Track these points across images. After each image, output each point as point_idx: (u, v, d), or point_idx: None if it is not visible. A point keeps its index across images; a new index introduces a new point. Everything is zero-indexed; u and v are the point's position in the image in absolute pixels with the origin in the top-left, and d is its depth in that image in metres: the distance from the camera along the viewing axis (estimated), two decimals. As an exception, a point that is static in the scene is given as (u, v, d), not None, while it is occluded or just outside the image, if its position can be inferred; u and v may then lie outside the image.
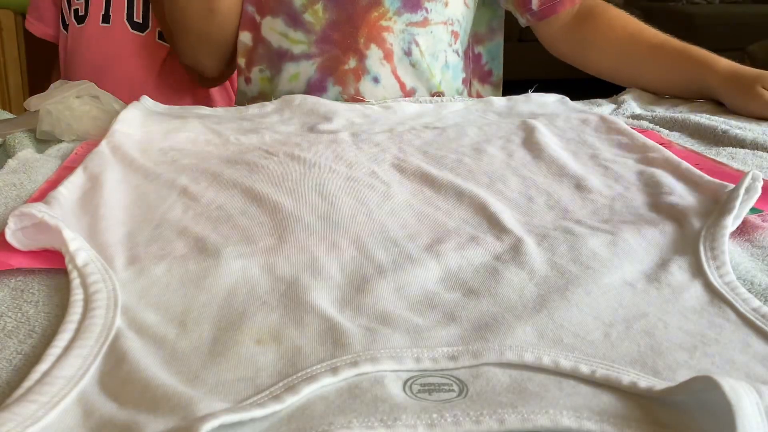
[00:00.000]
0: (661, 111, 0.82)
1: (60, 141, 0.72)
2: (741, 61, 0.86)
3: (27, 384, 0.31)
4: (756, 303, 0.39)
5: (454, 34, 0.97)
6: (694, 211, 0.50)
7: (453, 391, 0.31)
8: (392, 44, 0.92)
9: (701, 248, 0.45)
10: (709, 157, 0.64)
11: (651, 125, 0.76)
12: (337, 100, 0.90)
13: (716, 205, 0.50)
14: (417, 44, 0.93)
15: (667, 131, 0.74)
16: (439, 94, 0.97)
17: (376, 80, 0.93)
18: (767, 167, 0.62)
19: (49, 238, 0.45)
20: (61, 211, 0.48)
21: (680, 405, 0.30)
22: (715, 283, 0.41)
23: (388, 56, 0.93)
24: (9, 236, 0.44)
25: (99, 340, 0.35)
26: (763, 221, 0.51)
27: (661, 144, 0.68)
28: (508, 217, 0.49)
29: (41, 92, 0.77)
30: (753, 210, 0.50)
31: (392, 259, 0.44)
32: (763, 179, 0.50)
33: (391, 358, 0.33)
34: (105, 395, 0.31)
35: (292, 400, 0.30)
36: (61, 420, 0.29)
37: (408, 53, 0.93)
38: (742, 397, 0.27)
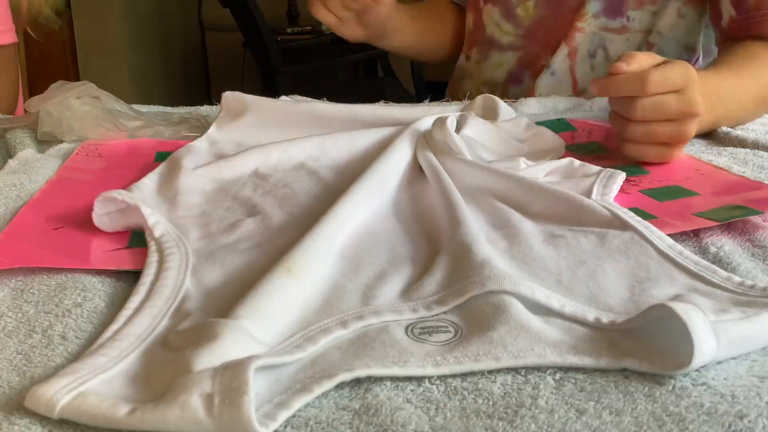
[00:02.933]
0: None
1: (61, 141, 0.72)
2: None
3: (100, 341, 0.35)
4: (669, 241, 0.45)
5: (648, 45, 0.93)
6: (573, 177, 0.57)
7: (450, 332, 0.36)
8: (579, 44, 0.94)
9: (601, 198, 0.52)
10: (708, 162, 0.64)
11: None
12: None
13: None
14: (605, 49, 0.94)
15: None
16: None
17: (552, 74, 0.96)
18: (768, 167, 0.63)
19: (130, 218, 0.49)
20: (142, 195, 0.52)
21: (638, 333, 0.35)
22: (631, 221, 0.47)
23: (571, 54, 0.95)
24: (96, 220, 0.49)
25: (168, 301, 0.39)
26: (763, 221, 0.51)
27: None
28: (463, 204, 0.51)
29: (41, 93, 0.77)
30: (754, 212, 0.50)
31: (387, 230, 0.49)
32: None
33: (392, 311, 0.38)
34: (166, 349, 0.35)
35: (312, 349, 0.34)
36: (127, 369, 0.33)
37: (592, 55, 0.95)
38: (692, 316, 0.32)
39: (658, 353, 0.34)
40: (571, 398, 0.32)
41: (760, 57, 0.76)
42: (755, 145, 0.68)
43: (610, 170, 0.56)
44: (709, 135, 0.72)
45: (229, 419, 0.28)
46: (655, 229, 0.46)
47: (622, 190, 0.58)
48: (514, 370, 0.34)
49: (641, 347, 0.34)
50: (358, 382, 0.33)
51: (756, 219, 0.51)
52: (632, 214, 0.49)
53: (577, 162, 0.59)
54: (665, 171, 0.62)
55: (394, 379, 0.33)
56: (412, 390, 0.33)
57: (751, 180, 0.58)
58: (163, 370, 0.32)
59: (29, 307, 0.40)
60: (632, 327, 0.35)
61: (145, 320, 0.37)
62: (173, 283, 0.41)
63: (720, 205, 0.53)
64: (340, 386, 0.33)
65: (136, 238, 0.48)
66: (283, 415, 0.30)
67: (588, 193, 0.53)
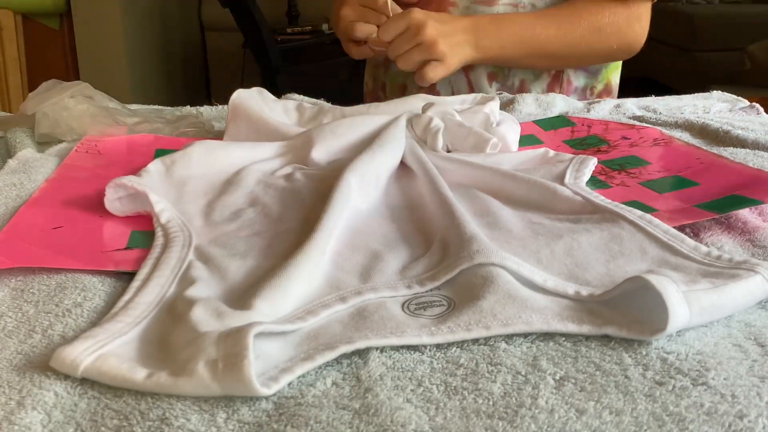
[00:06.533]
0: (663, 112, 0.82)
1: (60, 141, 0.72)
2: (741, 61, 0.85)
3: (114, 310, 0.38)
4: (639, 212, 0.47)
5: None
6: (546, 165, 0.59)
7: (443, 305, 0.39)
8: None
9: (574, 182, 0.54)
10: (710, 151, 0.64)
11: (653, 127, 0.76)
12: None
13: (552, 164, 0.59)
14: None
15: (668, 131, 0.74)
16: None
17: None
18: (768, 167, 0.63)
19: (140, 204, 0.51)
20: (150, 180, 0.54)
21: (615, 304, 0.38)
22: (603, 203, 0.50)
23: None
24: (108, 205, 0.51)
25: (174, 270, 0.42)
26: (764, 221, 0.51)
27: (662, 140, 0.68)
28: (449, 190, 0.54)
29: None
30: (755, 201, 0.50)
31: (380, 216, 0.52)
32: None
33: (388, 287, 0.40)
34: (174, 314, 0.37)
35: (313, 320, 0.37)
36: (142, 334, 0.36)
37: None
38: (666, 286, 0.35)
39: (635, 321, 0.36)
40: (571, 398, 0.32)
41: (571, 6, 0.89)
42: (755, 145, 0.68)
43: (582, 156, 0.58)
44: (710, 135, 0.72)
45: (232, 381, 0.31)
46: (624, 206, 0.49)
47: (622, 182, 0.58)
48: (515, 370, 0.34)
49: (620, 316, 0.37)
50: (358, 381, 0.33)
51: (756, 219, 0.51)
52: (603, 197, 0.51)
53: (552, 151, 0.62)
54: (666, 161, 0.62)
55: (394, 378, 0.33)
56: (412, 390, 0.33)
57: (750, 167, 0.58)
58: (173, 332, 0.35)
59: (29, 307, 0.40)
60: (610, 299, 0.38)
61: (155, 289, 0.40)
62: (178, 255, 0.44)
63: (720, 195, 0.53)
64: (340, 386, 0.33)
65: (136, 238, 0.49)
66: (286, 378, 0.32)
67: (561, 178, 0.55)
